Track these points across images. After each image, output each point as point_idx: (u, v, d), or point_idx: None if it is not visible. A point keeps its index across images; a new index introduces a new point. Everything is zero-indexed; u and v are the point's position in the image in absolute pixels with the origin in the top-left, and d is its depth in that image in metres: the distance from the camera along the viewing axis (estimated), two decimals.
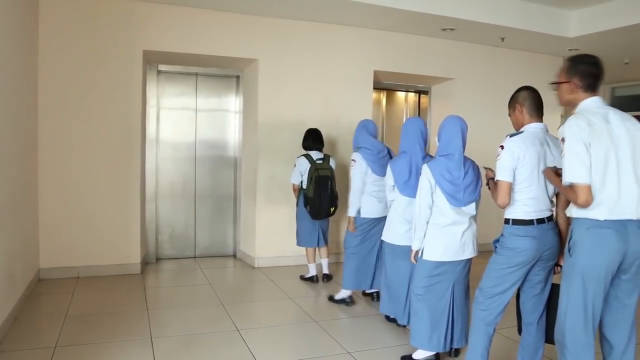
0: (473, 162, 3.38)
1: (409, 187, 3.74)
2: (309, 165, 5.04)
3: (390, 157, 4.49)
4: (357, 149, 4.53)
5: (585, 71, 2.51)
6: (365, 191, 4.46)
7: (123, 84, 5.29)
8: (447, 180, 3.21)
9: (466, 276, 3.45)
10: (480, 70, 6.98)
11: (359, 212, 4.47)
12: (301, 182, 5.14)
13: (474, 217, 3.36)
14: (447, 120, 3.41)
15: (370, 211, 4.48)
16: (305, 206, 5.02)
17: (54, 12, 4.98)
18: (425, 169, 3.28)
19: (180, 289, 5.24)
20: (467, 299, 3.50)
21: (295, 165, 5.18)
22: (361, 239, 4.52)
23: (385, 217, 4.27)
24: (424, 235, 3.31)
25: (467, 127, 3.36)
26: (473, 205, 3.30)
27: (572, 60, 2.57)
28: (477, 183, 3.33)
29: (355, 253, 4.54)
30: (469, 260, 3.39)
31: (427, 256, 3.30)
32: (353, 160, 4.46)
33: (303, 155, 5.14)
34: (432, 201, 3.26)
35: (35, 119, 4.91)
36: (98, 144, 5.22)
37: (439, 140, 3.39)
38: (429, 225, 3.30)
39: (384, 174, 4.31)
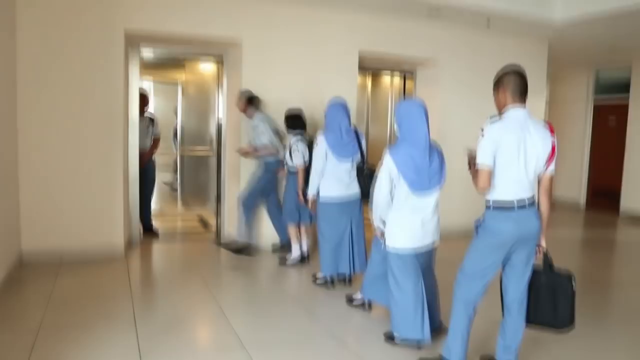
0: (438, 147, 3.38)
1: None
2: (305, 146, 5.10)
3: (358, 139, 4.53)
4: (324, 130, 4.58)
5: None
6: (325, 173, 4.51)
7: (104, 63, 5.19)
8: (412, 169, 3.20)
9: (432, 261, 3.51)
10: (466, 53, 6.97)
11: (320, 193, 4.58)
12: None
13: (437, 205, 3.36)
14: (407, 105, 3.37)
15: (329, 192, 4.52)
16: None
17: None
18: (388, 159, 3.24)
19: (164, 271, 5.24)
20: (435, 282, 3.56)
21: (298, 151, 5.10)
22: (329, 222, 4.56)
23: (348, 199, 4.40)
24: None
25: (427, 110, 3.32)
26: (437, 192, 3.31)
27: None
28: (442, 169, 3.33)
29: (327, 238, 4.58)
30: (433, 245, 3.43)
31: (389, 245, 3.33)
32: (316, 141, 4.53)
33: (298, 138, 5.14)
34: (392, 189, 3.27)
35: (14, 99, 4.81)
36: (79, 124, 5.14)
37: (399, 128, 3.34)
38: (391, 214, 3.32)
39: (346, 159, 4.44)
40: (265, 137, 5.39)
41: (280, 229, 5.68)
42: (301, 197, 5.05)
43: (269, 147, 5.41)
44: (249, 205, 5.48)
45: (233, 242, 5.53)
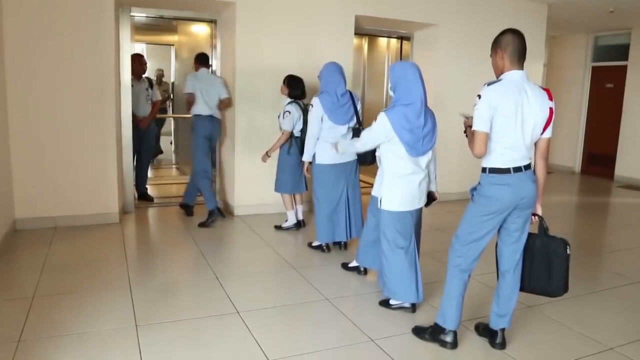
0: (430, 110, 3.37)
1: None
2: (301, 113, 5.02)
3: (354, 103, 4.48)
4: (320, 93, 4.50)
5: None
6: (320, 137, 4.45)
7: (94, 27, 5.05)
8: (407, 129, 3.19)
9: (419, 224, 3.53)
10: (464, 16, 6.84)
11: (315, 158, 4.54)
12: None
13: (430, 167, 3.41)
14: (401, 66, 3.34)
15: (325, 157, 4.48)
16: (301, 153, 4.95)
17: None
18: (383, 118, 3.23)
19: (159, 238, 5.23)
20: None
21: (290, 113, 5.02)
22: (325, 187, 4.53)
23: (344, 164, 4.38)
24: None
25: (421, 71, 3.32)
26: (429, 154, 3.33)
27: None
28: (434, 131, 3.34)
29: (322, 203, 4.56)
30: (421, 209, 3.48)
31: (385, 206, 3.34)
32: (311, 104, 4.46)
33: (294, 102, 5.06)
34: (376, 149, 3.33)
35: (1, 65, 4.70)
36: (70, 90, 5.03)
37: (394, 89, 3.32)
38: (387, 175, 3.34)
39: (342, 122, 4.39)
40: (188, 87, 5.40)
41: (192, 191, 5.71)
42: (265, 156, 5.16)
43: (189, 96, 5.42)
44: (198, 175, 5.42)
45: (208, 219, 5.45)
